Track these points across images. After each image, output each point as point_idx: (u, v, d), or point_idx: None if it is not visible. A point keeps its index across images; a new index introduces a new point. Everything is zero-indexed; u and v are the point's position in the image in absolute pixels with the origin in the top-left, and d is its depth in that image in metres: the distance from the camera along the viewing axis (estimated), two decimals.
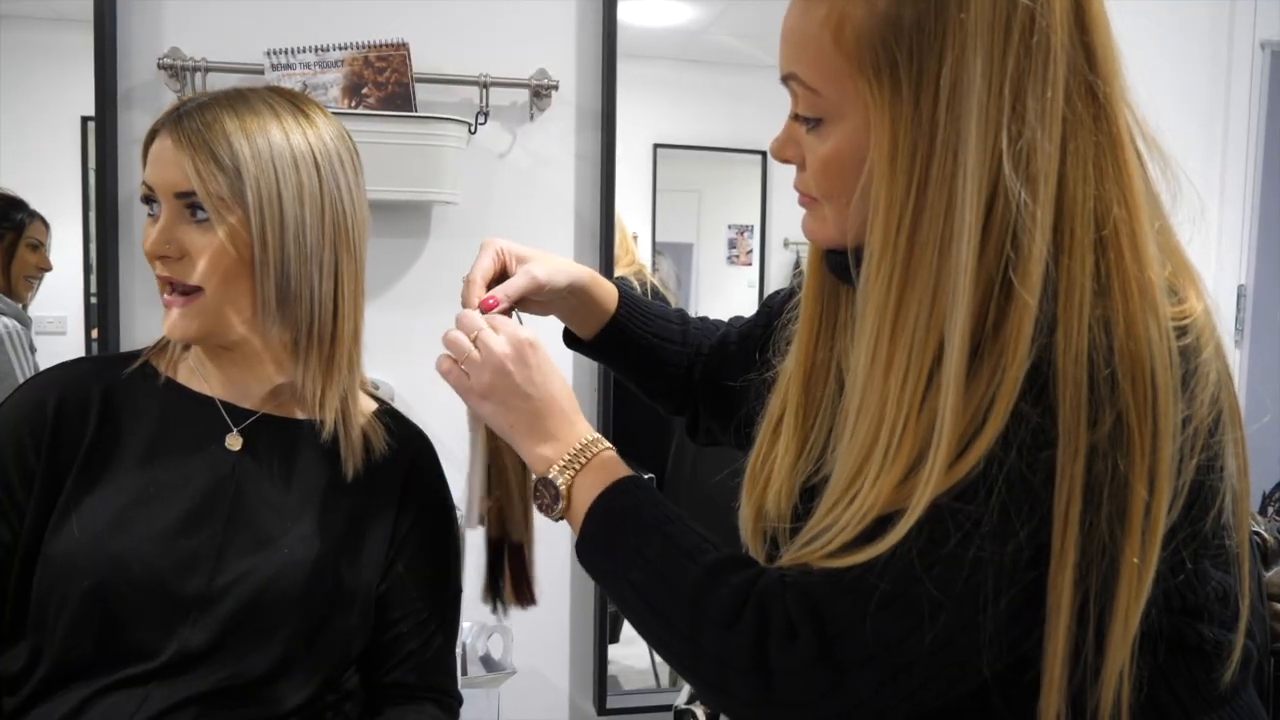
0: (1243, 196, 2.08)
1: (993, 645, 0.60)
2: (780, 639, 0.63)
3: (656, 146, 1.87)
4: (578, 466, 0.78)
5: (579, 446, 0.79)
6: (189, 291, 0.89)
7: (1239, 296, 2.10)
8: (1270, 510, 2.04)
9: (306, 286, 0.91)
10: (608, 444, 0.80)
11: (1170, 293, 0.63)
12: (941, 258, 0.62)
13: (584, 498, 0.77)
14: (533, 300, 0.93)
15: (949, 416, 0.60)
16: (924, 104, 0.63)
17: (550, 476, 0.79)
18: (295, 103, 0.93)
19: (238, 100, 0.91)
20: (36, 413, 0.90)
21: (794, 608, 0.64)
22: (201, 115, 0.88)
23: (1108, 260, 0.61)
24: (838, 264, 0.76)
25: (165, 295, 0.91)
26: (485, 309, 0.87)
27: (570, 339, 1.05)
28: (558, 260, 0.95)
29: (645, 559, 0.71)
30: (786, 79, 0.70)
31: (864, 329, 0.66)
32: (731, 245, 1.95)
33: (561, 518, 0.79)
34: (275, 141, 0.89)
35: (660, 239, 1.90)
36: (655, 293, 1.86)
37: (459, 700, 1.03)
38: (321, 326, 0.93)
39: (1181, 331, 0.61)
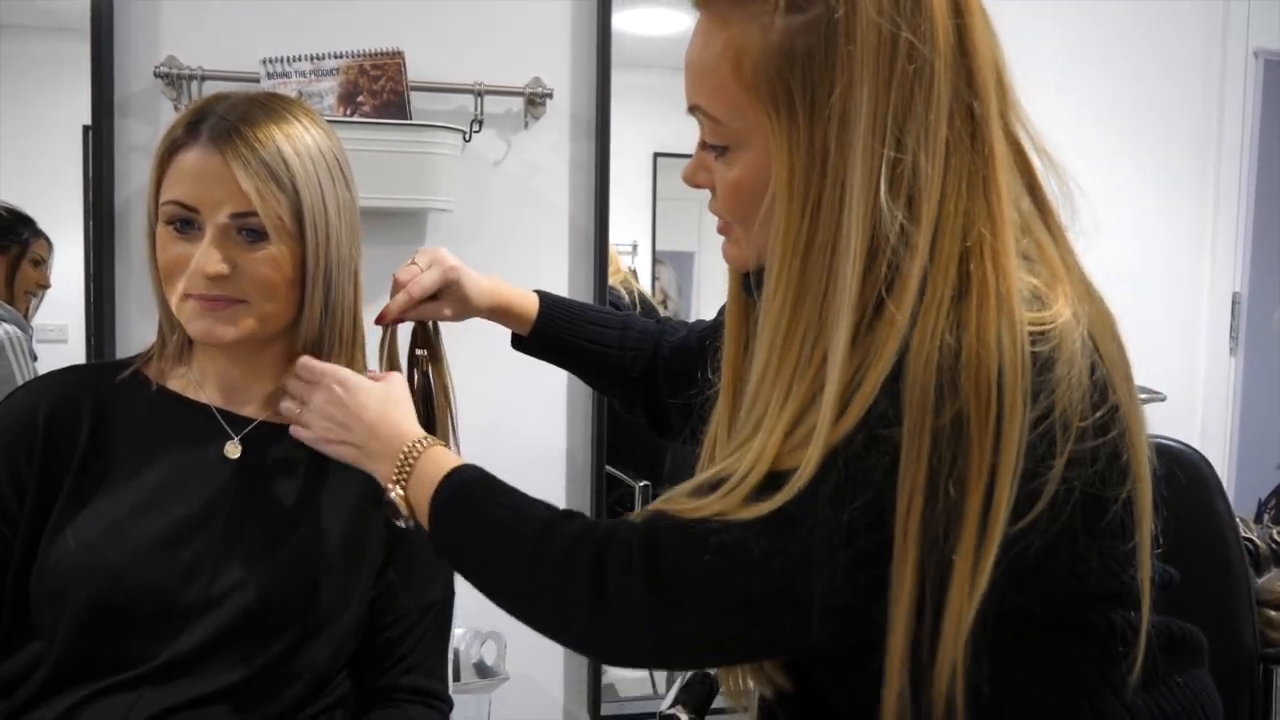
0: (1237, 204, 2.08)
1: (823, 603, 0.62)
2: (617, 570, 0.68)
3: (657, 155, 1.88)
4: (406, 473, 0.82)
5: (403, 455, 0.83)
6: (233, 299, 0.89)
7: (1233, 304, 2.10)
8: (1266, 517, 2.04)
9: (342, 295, 0.94)
10: (433, 441, 0.84)
11: (1035, 300, 0.65)
12: (830, 278, 0.66)
13: (421, 497, 0.81)
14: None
15: (828, 415, 0.63)
16: (816, 132, 0.66)
17: (390, 495, 0.83)
18: (308, 111, 0.94)
19: (273, 113, 0.90)
20: (26, 420, 0.90)
21: (636, 541, 0.69)
22: (252, 131, 0.87)
23: (968, 270, 0.64)
24: (758, 283, 0.78)
25: (200, 297, 0.88)
26: (378, 321, 1.01)
27: (516, 341, 1.11)
28: (478, 296, 1.04)
29: (485, 523, 0.77)
30: (692, 109, 0.73)
31: (760, 344, 0.70)
32: None
33: (409, 524, 0.84)
34: (314, 155, 0.90)
35: (661, 248, 1.90)
36: (643, 302, 1.86)
37: (449, 705, 1.03)
38: (345, 330, 0.95)
39: (1039, 337, 0.63)
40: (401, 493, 0.82)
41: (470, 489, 0.80)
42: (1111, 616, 0.69)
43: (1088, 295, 0.69)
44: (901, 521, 0.61)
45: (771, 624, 0.65)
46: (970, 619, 0.62)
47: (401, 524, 0.85)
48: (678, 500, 0.70)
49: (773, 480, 0.65)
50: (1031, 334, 0.62)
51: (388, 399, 0.88)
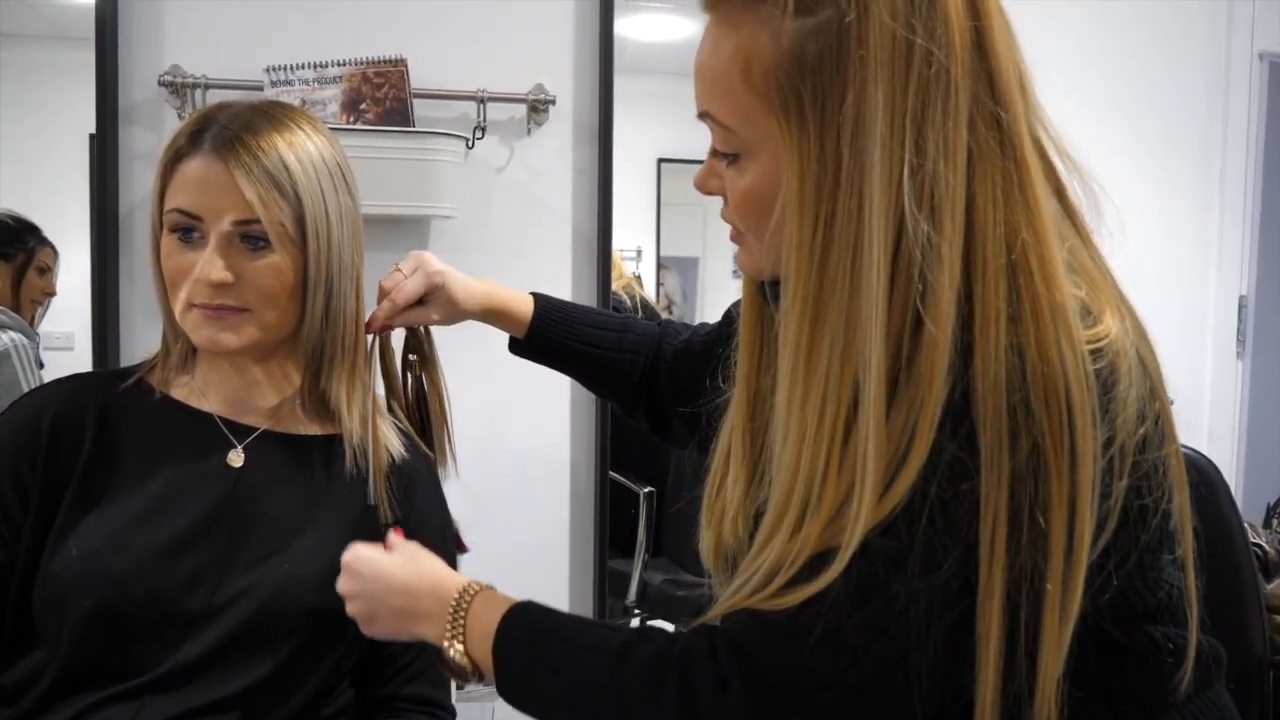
0: (1242, 206, 2.08)
1: (931, 676, 0.60)
2: (710, 695, 0.64)
3: (660, 160, 1.88)
4: (460, 629, 0.77)
5: (451, 610, 0.78)
6: (236, 308, 0.89)
7: (1240, 307, 2.10)
8: (1275, 522, 2.03)
9: (344, 302, 0.94)
10: (478, 586, 0.80)
11: (1085, 313, 0.63)
12: (852, 292, 0.62)
13: (481, 651, 0.76)
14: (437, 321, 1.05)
15: (872, 452, 0.60)
16: (828, 139, 0.63)
17: (448, 655, 0.78)
18: (310, 119, 0.95)
19: (276, 121, 0.91)
20: (31, 428, 0.90)
21: (724, 657, 0.65)
22: (255, 139, 0.88)
23: (1018, 285, 0.61)
24: (774, 293, 0.77)
25: (203, 307, 0.89)
26: (367, 329, 0.99)
27: (513, 345, 1.10)
28: (468, 299, 1.03)
29: (554, 671, 0.72)
30: (702, 116, 0.71)
31: (782, 364, 0.67)
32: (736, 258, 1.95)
33: (480, 681, 0.79)
34: (316, 162, 0.90)
35: (665, 253, 1.90)
36: (645, 307, 1.86)
37: (452, 713, 1.03)
38: (347, 338, 0.95)
39: (1097, 354, 0.61)
40: (461, 648, 0.77)
41: (527, 637, 0.75)
42: (1151, 633, 0.68)
43: (1123, 302, 0.67)
44: (986, 558, 0.59)
45: (882, 706, 0.63)
46: (1067, 647, 0.60)
47: (462, 685, 0.80)
48: (740, 596, 0.66)
49: (825, 558, 0.62)
50: (1089, 350, 0.61)
51: (410, 559, 0.84)
